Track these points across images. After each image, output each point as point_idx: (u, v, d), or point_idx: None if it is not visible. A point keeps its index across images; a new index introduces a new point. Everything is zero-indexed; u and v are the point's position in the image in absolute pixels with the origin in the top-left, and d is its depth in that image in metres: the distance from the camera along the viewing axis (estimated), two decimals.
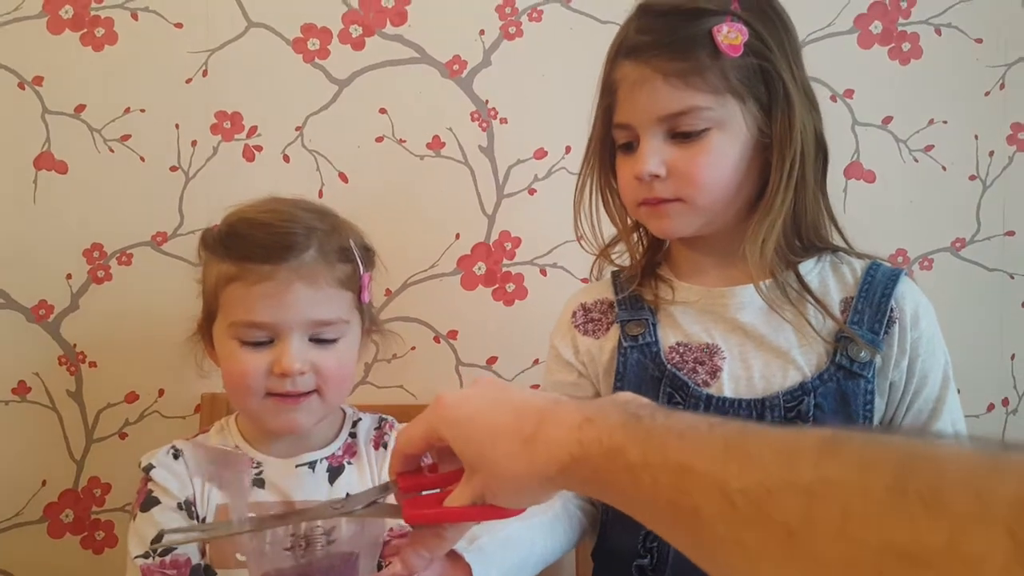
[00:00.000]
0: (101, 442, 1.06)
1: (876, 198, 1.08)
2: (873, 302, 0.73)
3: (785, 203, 0.70)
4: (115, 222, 1.04)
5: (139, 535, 0.76)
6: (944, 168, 1.08)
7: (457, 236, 1.07)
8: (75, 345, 1.05)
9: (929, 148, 1.08)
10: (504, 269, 1.08)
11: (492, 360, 1.09)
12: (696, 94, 0.68)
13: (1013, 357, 1.11)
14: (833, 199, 1.09)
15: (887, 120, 1.08)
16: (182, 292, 1.01)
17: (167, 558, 0.74)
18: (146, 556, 0.74)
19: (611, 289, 0.81)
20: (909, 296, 0.74)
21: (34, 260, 1.04)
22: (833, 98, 1.06)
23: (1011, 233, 1.09)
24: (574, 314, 0.83)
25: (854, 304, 0.73)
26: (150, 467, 0.78)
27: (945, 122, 1.07)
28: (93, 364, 1.05)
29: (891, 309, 0.72)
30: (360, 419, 0.86)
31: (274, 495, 0.78)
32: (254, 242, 0.74)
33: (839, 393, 0.71)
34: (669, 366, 0.75)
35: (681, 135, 0.69)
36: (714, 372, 0.74)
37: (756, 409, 0.72)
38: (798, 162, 0.70)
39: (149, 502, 0.77)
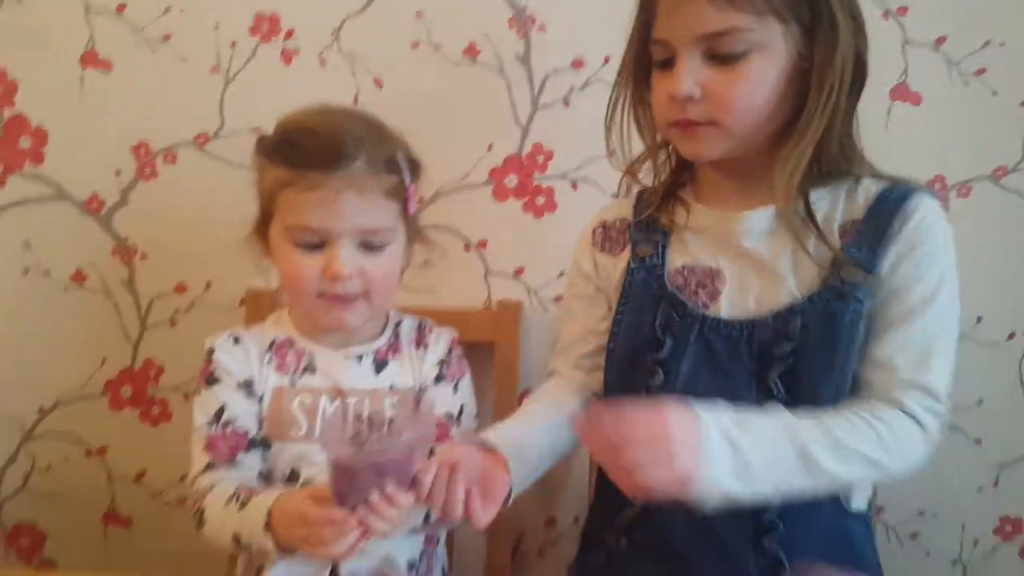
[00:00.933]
0: (154, 328, 1.14)
1: (920, 121, 1.06)
2: (879, 223, 0.72)
3: (819, 131, 0.70)
4: (159, 122, 1.07)
5: (203, 408, 0.84)
6: (994, 93, 1.04)
7: (490, 147, 1.08)
8: (126, 238, 1.11)
9: (981, 72, 1.04)
10: (535, 182, 1.09)
11: (519, 271, 1.12)
12: (739, 14, 0.67)
13: None
14: (875, 120, 1.08)
15: (940, 40, 1.03)
16: (225, 192, 1.07)
17: (228, 429, 0.82)
18: (209, 426, 0.83)
19: (631, 209, 0.83)
20: (918, 212, 0.72)
21: (85, 155, 1.08)
22: (885, 15, 1.01)
23: None
24: (594, 231, 0.86)
25: (858, 227, 0.73)
26: (213, 350, 0.85)
27: (1002, 44, 1.02)
28: (144, 256, 1.12)
29: (893, 227, 0.72)
30: (402, 320, 0.92)
31: (325, 380, 0.85)
32: (307, 150, 0.77)
33: (827, 314, 0.72)
34: (670, 287, 0.78)
35: (720, 56, 0.68)
36: (714, 295, 0.77)
37: (747, 329, 0.75)
38: (836, 89, 0.69)
39: (212, 380, 0.84)
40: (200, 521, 0.79)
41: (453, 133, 1.07)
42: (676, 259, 0.80)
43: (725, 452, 0.64)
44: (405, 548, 0.85)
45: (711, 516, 0.75)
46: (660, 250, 0.80)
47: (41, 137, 1.07)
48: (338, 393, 0.84)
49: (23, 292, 1.12)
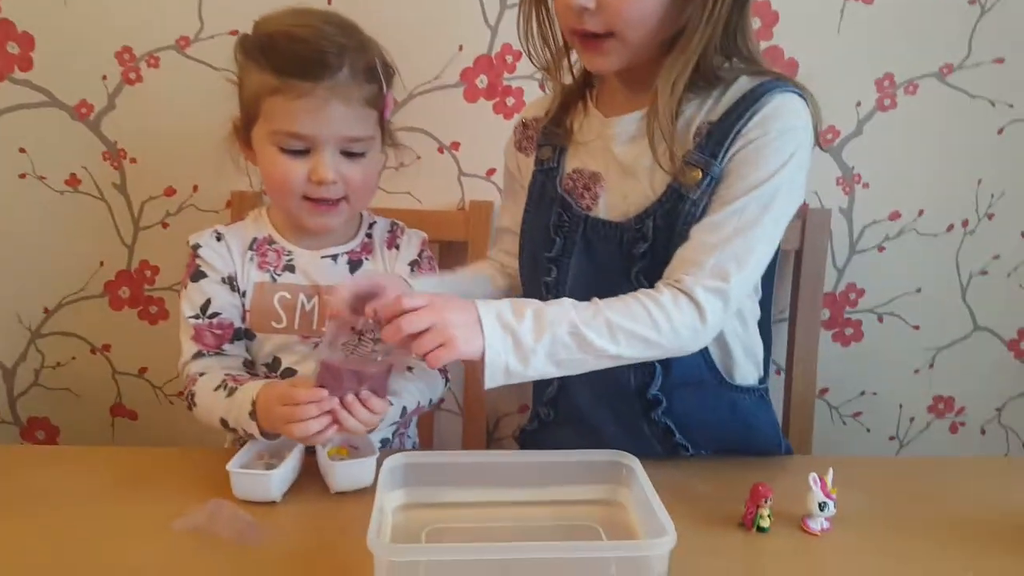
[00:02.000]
0: (147, 230, 1.21)
1: (872, 20, 1.10)
2: (728, 124, 0.74)
3: (703, 39, 0.72)
4: (141, 25, 1.10)
5: (190, 300, 0.91)
6: None
7: (460, 48, 1.12)
8: (116, 142, 1.16)
9: None
10: (505, 83, 1.14)
11: (491, 172, 1.18)
12: None
13: (980, 182, 1.18)
14: (828, 20, 1.12)
15: None
16: (208, 95, 1.11)
17: (214, 320, 0.90)
18: (196, 318, 0.90)
19: (545, 109, 0.88)
20: (764, 108, 0.74)
21: (72, 61, 1.12)
22: None
23: (1000, 60, 1.12)
24: (515, 129, 0.93)
25: (710, 128, 0.76)
26: (197, 246, 0.91)
27: None
28: (134, 160, 1.17)
29: (738, 125, 0.74)
30: (375, 222, 0.98)
31: (303, 279, 0.91)
32: (294, 58, 0.80)
33: (671, 213, 0.77)
34: (560, 190, 0.85)
35: None
36: (595, 198, 0.83)
37: (617, 230, 0.81)
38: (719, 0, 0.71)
39: (197, 275, 0.91)
40: (191, 403, 0.87)
41: (424, 34, 1.11)
42: (570, 163, 0.86)
43: (501, 334, 0.69)
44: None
45: (608, 393, 0.85)
46: (558, 154, 0.86)
47: (28, 42, 1.11)
48: (315, 291, 0.91)
49: (22, 196, 1.17)
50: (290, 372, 0.91)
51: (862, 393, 1.28)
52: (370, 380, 0.74)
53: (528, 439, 1.00)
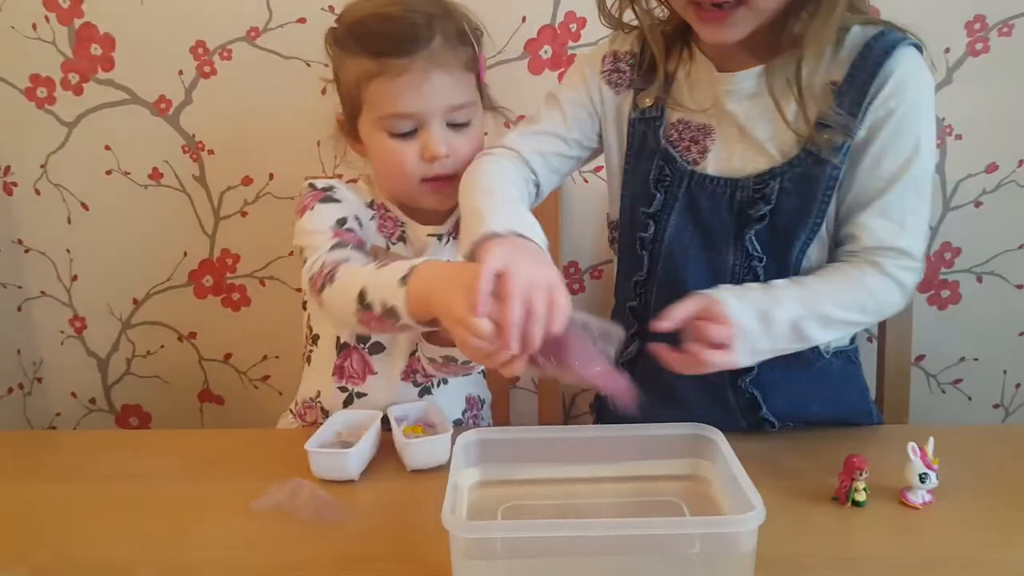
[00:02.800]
0: (227, 219, 1.24)
1: None
2: (858, 84, 0.73)
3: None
4: (213, 19, 1.13)
5: (320, 217, 0.82)
6: None
7: (523, 19, 1.11)
8: (194, 135, 1.20)
9: None
10: (569, 52, 1.12)
11: None
12: None
13: None
14: None
15: None
16: (279, 84, 1.14)
17: (352, 232, 0.83)
18: (331, 229, 0.82)
19: (640, 43, 0.84)
20: (894, 75, 0.72)
21: (149, 58, 1.16)
22: None
23: None
24: (604, 58, 0.86)
25: (839, 87, 0.73)
26: (330, 187, 0.86)
27: None
28: (211, 152, 1.20)
29: (871, 90, 0.72)
30: None
31: (411, 252, 0.89)
32: (387, 36, 0.79)
33: (804, 177, 0.75)
34: (664, 141, 0.81)
35: None
36: (703, 151, 0.80)
37: (729, 187, 0.78)
38: None
39: (330, 199, 0.84)
40: (325, 282, 0.75)
41: (485, 7, 1.08)
42: (674, 113, 0.82)
43: (750, 355, 0.73)
44: (449, 407, 0.92)
45: None
46: (659, 102, 0.82)
47: (109, 43, 1.15)
48: None
49: (109, 192, 1.23)
50: (379, 347, 0.89)
51: (962, 359, 1.21)
52: (557, 350, 0.66)
53: (603, 406, 0.98)
